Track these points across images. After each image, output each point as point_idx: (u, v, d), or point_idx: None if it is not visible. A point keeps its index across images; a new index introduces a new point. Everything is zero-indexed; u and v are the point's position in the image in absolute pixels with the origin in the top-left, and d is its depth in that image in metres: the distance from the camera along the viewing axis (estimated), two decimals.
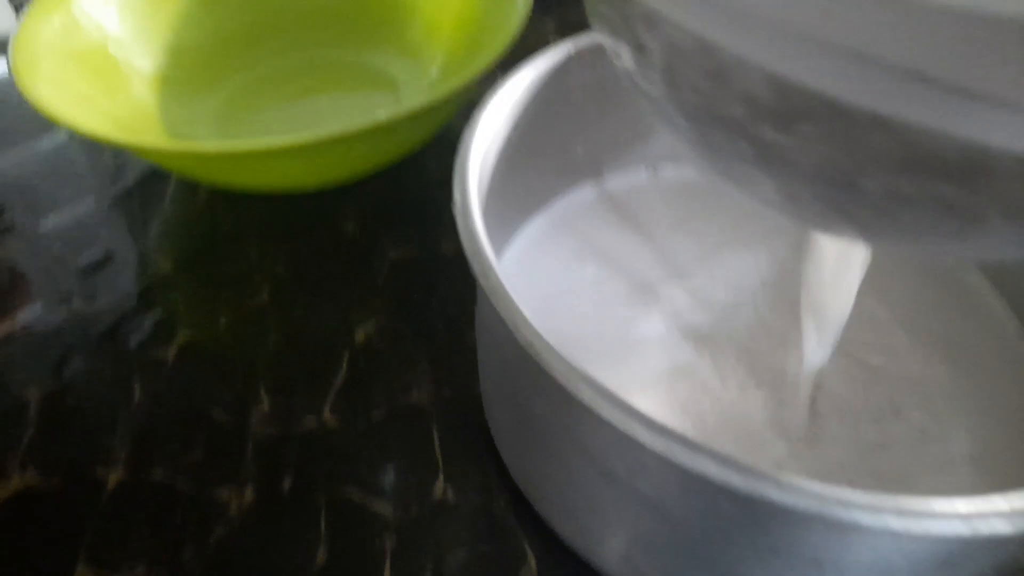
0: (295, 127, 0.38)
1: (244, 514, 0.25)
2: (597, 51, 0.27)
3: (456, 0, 0.40)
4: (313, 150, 0.29)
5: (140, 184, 0.38)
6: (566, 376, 0.16)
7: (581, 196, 0.31)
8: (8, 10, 0.48)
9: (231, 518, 0.25)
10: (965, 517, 0.14)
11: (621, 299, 0.27)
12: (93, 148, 0.41)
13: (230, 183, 0.33)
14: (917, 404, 0.24)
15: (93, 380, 0.29)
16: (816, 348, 0.22)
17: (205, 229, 0.36)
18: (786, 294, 0.27)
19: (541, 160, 0.29)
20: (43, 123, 0.41)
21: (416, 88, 0.41)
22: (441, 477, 0.26)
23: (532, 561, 0.24)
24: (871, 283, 0.27)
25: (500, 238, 0.28)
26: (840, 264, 0.20)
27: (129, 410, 0.28)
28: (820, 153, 0.13)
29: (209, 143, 0.28)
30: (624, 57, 0.16)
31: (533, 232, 0.30)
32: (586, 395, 0.16)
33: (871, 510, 0.14)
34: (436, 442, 0.27)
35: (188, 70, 0.40)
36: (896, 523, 0.14)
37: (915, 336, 0.26)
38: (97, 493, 0.26)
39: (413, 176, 0.38)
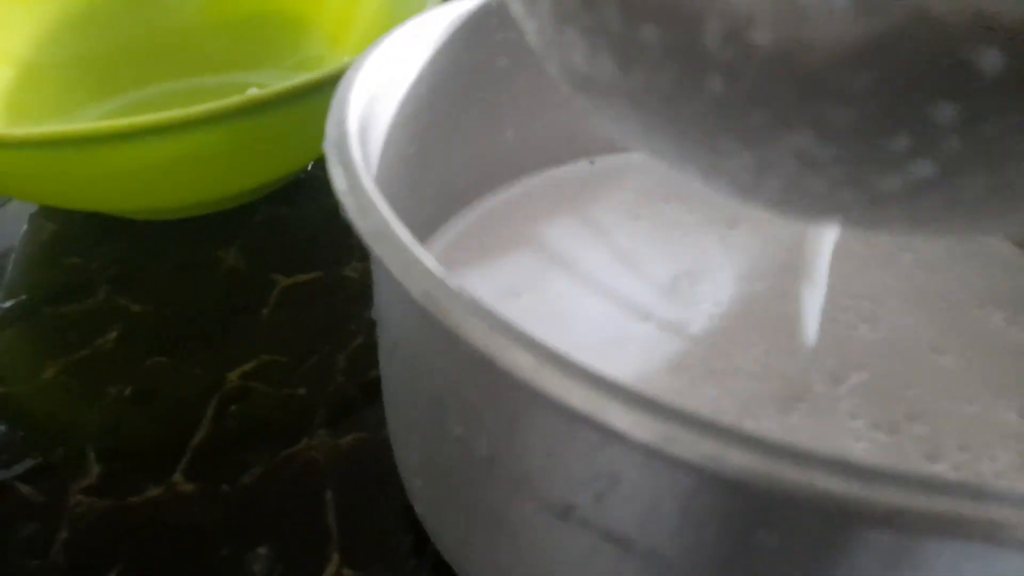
0: None
1: None
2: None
3: (363, 9, 0.35)
4: (176, 134, 0.23)
5: None
6: (487, 335, 0.10)
7: (513, 190, 0.25)
8: None
9: None
10: None
11: (566, 293, 0.21)
12: None
13: (70, 197, 0.26)
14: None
15: None
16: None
17: (45, 269, 0.28)
18: (743, 277, 0.22)
19: (461, 146, 0.23)
20: None
21: None
22: (336, 556, 0.18)
23: None
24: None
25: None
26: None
27: None
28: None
29: (49, 127, 0.22)
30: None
31: (456, 229, 0.23)
32: (523, 362, 0.10)
33: None
34: (330, 508, 0.20)
35: (46, 89, 0.34)
36: None
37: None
38: None
39: (310, 200, 0.32)
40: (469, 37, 0.21)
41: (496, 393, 0.11)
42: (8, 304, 0.26)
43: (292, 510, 0.20)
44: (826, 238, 0.17)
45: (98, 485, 0.20)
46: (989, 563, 0.09)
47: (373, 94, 0.17)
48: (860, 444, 0.17)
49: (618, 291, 0.21)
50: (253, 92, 0.22)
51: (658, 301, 0.21)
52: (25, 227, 0.31)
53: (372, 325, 0.25)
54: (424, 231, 0.23)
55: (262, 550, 0.19)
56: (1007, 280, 0.22)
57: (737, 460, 0.09)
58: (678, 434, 0.09)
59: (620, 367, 0.19)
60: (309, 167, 0.32)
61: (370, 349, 0.24)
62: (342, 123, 0.15)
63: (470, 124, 0.23)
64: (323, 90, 0.24)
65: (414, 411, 0.15)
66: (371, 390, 0.23)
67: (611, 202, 0.25)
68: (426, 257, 0.11)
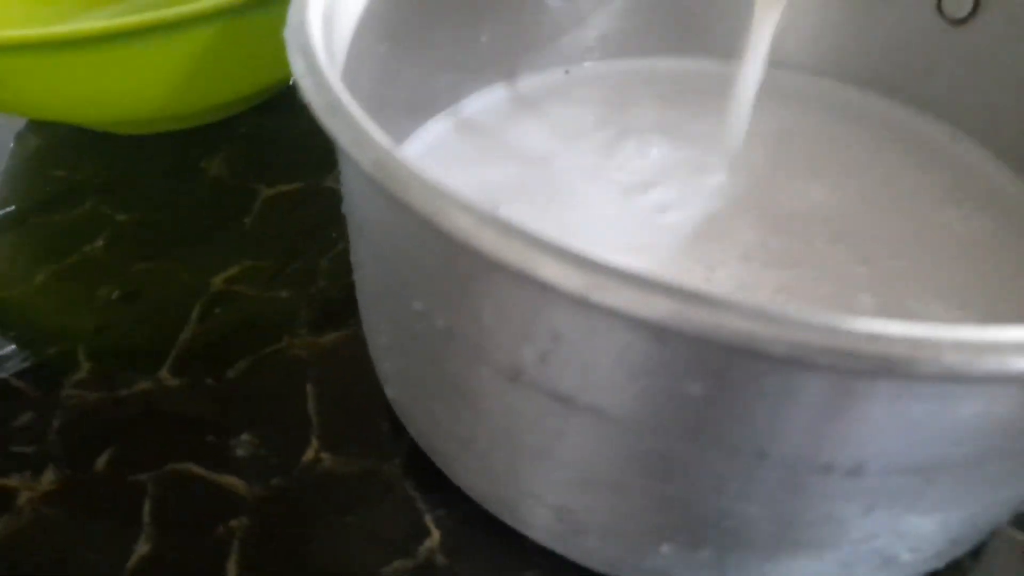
0: None
1: (38, 504, 0.18)
2: None
3: None
4: (159, 38, 0.23)
5: None
6: (432, 200, 0.11)
7: (487, 97, 0.25)
8: None
9: (19, 509, 0.18)
10: None
11: (543, 197, 0.21)
12: None
13: (48, 107, 0.26)
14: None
15: None
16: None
17: (31, 179, 0.29)
18: (714, 177, 0.22)
19: (433, 49, 0.23)
20: None
21: None
22: (315, 441, 0.19)
23: (436, 535, 0.17)
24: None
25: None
26: None
27: None
28: None
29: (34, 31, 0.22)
30: None
31: (428, 137, 0.24)
32: (462, 223, 0.10)
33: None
34: (310, 399, 0.20)
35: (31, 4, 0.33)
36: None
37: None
38: None
39: (293, 113, 0.32)
40: None
41: (446, 261, 0.12)
42: None
43: (274, 401, 0.20)
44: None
45: (89, 380, 0.21)
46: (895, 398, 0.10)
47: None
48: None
49: (591, 193, 0.22)
50: None
51: (630, 201, 0.21)
52: (11, 144, 0.31)
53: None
54: (398, 137, 0.23)
55: (245, 436, 0.20)
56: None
57: (657, 306, 0.09)
58: (603, 282, 0.09)
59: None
60: (291, 81, 0.31)
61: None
62: (303, 9, 0.15)
63: (444, 26, 0.23)
64: None
65: (379, 291, 0.16)
66: (352, 293, 0.24)
67: (584, 108, 0.25)
68: (375, 130, 0.12)
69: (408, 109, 0.23)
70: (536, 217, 0.21)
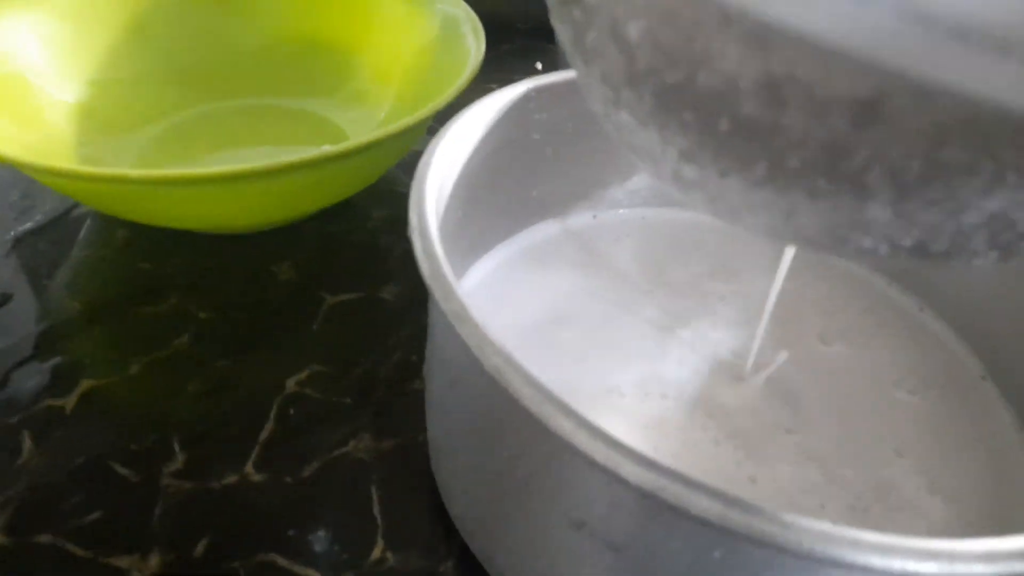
0: None
1: None
2: (556, 92, 0.26)
3: (404, 51, 0.39)
4: (245, 183, 0.27)
5: (50, 224, 0.35)
6: (541, 404, 0.15)
7: (533, 235, 0.30)
8: None
9: None
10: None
11: (585, 340, 0.26)
12: None
13: (151, 219, 0.30)
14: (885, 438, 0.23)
15: None
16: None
17: (121, 272, 0.33)
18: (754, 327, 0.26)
19: (493, 201, 0.28)
20: None
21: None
22: (380, 540, 0.23)
23: None
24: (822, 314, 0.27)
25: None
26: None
27: (15, 465, 0.24)
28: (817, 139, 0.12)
29: (129, 170, 0.26)
30: (605, 67, 0.15)
31: (481, 273, 0.28)
32: (564, 426, 0.14)
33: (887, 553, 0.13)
34: (375, 499, 0.24)
35: (114, 105, 0.38)
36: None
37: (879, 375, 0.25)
38: None
39: (353, 222, 0.36)
40: (513, 118, 0.25)
41: (542, 439, 0.16)
42: (93, 303, 0.31)
43: (344, 501, 0.24)
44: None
45: (184, 470, 0.25)
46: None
47: (440, 179, 0.21)
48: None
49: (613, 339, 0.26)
50: (326, 149, 0.26)
51: (649, 351, 0.25)
52: (97, 228, 0.35)
53: (408, 343, 0.30)
54: (458, 272, 0.27)
55: (321, 532, 0.23)
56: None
57: (710, 510, 0.13)
58: (664, 484, 0.13)
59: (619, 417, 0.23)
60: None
61: (407, 366, 0.29)
62: (423, 215, 0.19)
63: (505, 188, 0.27)
64: (383, 144, 0.28)
65: (466, 433, 0.20)
66: (408, 401, 0.27)
67: (609, 250, 0.29)
68: (496, 338, 0.16)
69: (466, 251, 0.28)
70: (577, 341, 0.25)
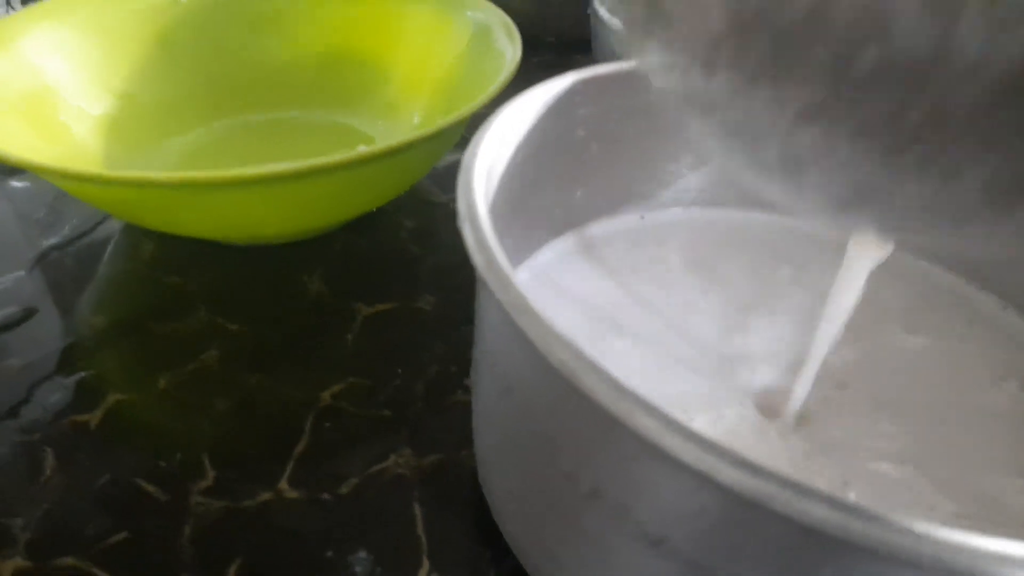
0: None
1: None
2: (602, 85, 0.25)
3: (434, 60, 0.38)
4: (277, 186, 0.25)
5: (76, 240, 0.34)
6: (619, 402, 0.13)
7: (579, 236, 0.28)
8: None
9: None
10: None
11: (638, 351, 0.24)
12: (24, 200, 0.36)
13: (179, 227, 0.29)
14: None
15: None
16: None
17: (148, 286, 0.31)
18: (792, 336, 0.24)
19: (536, 202, 0.26)
20: None
21: None
22: (426, 561, 0.21)
23: None
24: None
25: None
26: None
27: (37, 484, 0.23)
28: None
29: (154, 173, 0.25)
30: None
31: (524, 277, 0.26)
32: (648, 425, 0.13)
33: None
34: (419, 517, 0.22)
35: (141, 118, 0.37)
36: None
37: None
38: None
39: (384, 233, 0.35)
40: (558, 112, 0.24)
41: (619, 441, 0.14)
42: (119, 318, 0.30)
43: (385, 520, 0.22)
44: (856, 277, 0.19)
45: (214, 488, 0.23)
46: None
47: (487, 170, 0.20)
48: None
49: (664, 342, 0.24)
50: (362, 149, 0.25)
51: (709, 360, 0.24)
52: (123, 243, 0.34)
53: (445, 355, 0.28)
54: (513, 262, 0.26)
55: (362, 554, 0.21)
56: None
57: (812, 512, 0.11)
58: (772, 490, 0.12)
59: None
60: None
61: (445, 378, 0.27)
62: (472, 204, 0.18)
63: (549, 186, 0.26)
64: (416, 148, 0.27)
65: (521, 445, 0.18)
66: (447, 415, 0.26)
67: (658, 252, 0.28)
68: (561, 330, 0.14)
69: (512, 250, 0.26)
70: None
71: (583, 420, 0.15)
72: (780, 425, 0.21)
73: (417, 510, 0.23)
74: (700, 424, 0.21)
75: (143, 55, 0.38)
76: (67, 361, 0.28)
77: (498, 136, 0.21)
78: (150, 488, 0.23)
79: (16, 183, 0.38)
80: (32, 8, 0.35)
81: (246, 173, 0.23)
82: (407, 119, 0.39)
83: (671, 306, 0.26)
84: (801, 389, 0.21)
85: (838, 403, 0.22)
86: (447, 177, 0.37)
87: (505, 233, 0.24)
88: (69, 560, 0.21)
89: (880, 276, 0.27)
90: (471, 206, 0.18)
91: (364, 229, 0.34)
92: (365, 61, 0.40)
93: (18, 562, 0.21)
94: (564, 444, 0.16)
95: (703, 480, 0.12)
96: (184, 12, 0.40)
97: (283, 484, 0.23)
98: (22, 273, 0.32)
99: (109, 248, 0.34)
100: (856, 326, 0.24)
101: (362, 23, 0.41)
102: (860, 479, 0.19)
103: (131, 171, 0.34)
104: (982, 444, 0.21)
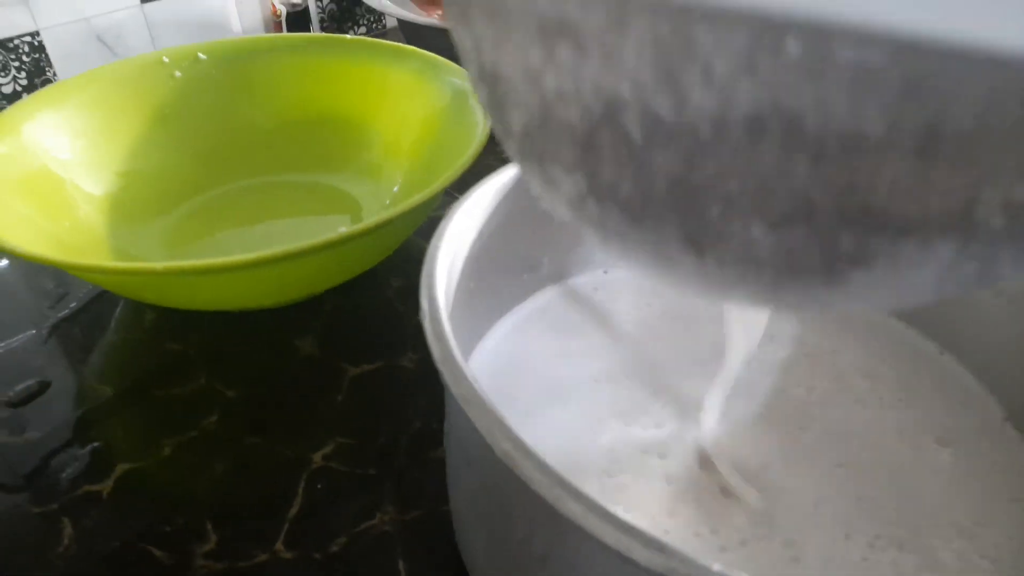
0: (249, 249, 0.37)
1: None
2: None
3: (415, 122, 0.41)
4: (266, 268, 0.28)
5: (83, 311, 0.37)
6: (551, 489, 0.15)
7: (542, 299, 0.30)
8: None
9: None
10: None
11: (597, 404, 0.26)
12: (34, 275, 0.39)
13: (178, 303, 0.32)
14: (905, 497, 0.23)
15: (16, 521, 0.26)
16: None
17: (150, 354, 0.34)
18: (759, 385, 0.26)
19: (504, 270, 0.28)
20: None
21: (377, 208, 0.41)
22: None
23: None
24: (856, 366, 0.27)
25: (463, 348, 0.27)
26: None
27: (56, 552, 0.25)
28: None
29: (153, 263, 0.27)
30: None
31: (494, 340, 0.29)
32: (574, 510, 0.15)
33: None
34: (402, 573, 0.24)
35: (140, 193, 0.39)
36: None
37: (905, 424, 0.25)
38: None
39: (371, 292, 0.37)
40: (518, 193, 0.26)
41: (553, 521, 0.16)
42: (125, 386, 0.32)
43: (373, 573, 0.24)
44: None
45: (217, 551, 0.25)
46: None
47: (450, 259, 0.22)
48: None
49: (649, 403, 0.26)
50: (342, 231, 0.27)
51: (660, 410, 0.26)
52: (127, 311, 0.36)
53: (427, 411, 0.30)
54: (471, 343, 0.28)
55: None
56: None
57: None
58: (677, 566, 0.14)
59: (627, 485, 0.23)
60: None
61: (426, 434, 0.29)
62: (433, 300, 0.20)
63: (513, 259, 0.28)
64: (397, 220, 0.29)
65: (485, 509, 0.20)
66: (429, 469, 0.28)
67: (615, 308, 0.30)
68: (506, 421, 0.16)
69: (481, 318, 0.28)
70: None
71: (526, 501, 0.17)
72: (718, 477, 0.23)
73: (401, 566, 0.25)
74: (638, 476, 0.23)
75: (142, 131, 0.41)
76: (80, 431, 0.30)
77: (461, 222, 0.24)
78: (158, 553, 0.25)
79: None
80: (37, 94, 0.38)
81: (232, 260, 0.26)
82: (390, 180, 0.41)
83: (624, 360, 0.28)
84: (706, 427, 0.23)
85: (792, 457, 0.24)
86: (432, 231, 0.39)
87: (472, 303, 0.26)
88: None
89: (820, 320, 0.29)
90: (432, 300, 0.20)
91: (352, 289, 0.37)
92: (349, 124, 0.43)
93: None
94: (516, 515, 0.18)
95: (622, 558, 0.14)
96: (180, 85, 0.42)
97: (279, 545, 0.25)
98: (38, 345, 0.34)
99: (115, 316, 0.36)
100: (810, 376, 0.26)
101: (347, 88, 0.43)
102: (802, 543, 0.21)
103: (134, 246, 0.37)
104: (915, 497, 0.23)
